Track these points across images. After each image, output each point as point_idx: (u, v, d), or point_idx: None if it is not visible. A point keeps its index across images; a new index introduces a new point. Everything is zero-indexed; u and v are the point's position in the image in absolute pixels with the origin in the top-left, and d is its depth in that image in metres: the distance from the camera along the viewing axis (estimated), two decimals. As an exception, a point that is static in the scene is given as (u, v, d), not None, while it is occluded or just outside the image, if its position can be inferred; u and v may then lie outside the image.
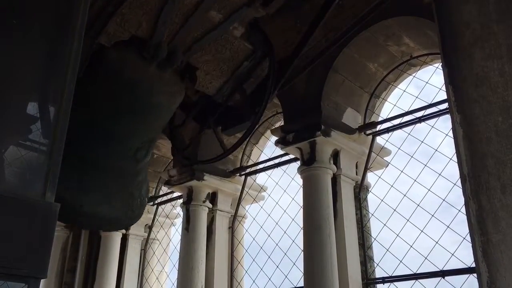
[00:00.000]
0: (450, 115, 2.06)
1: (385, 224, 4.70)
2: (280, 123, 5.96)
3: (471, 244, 1.90)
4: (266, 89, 4.47)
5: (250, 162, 6.46)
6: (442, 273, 4.12)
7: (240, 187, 6.27)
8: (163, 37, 3.82)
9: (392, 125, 5.00)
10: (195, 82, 4.45)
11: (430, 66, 5.03)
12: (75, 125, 3.46)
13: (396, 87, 5.33)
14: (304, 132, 4.92)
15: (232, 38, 4.26)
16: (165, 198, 7.40)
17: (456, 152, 2.01)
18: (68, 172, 3.30)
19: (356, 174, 5.14)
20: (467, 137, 1.92)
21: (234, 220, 6.26)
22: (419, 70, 5.16)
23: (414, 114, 4.78)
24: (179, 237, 6.20)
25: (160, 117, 4.21)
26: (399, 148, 4.99)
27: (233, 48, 4.33)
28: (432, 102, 4.65)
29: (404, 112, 4.90)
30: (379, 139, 5.21)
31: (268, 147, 6.53)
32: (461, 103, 2.00)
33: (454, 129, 2.02)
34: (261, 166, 6.28)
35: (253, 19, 4.20)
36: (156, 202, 7.44)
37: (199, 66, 4.32)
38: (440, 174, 4.37)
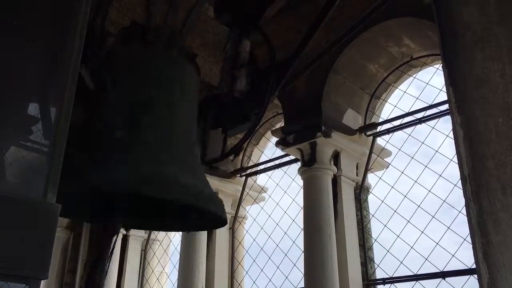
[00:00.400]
0: (451, 116, 2.06)
1: (385, 225, 4.70)
2: (281, 124, 5.97)
3: (471, 245, 1.90)
4: (266, 92, 4.45)
5: (251, 163, 6.46)
6: (443, 274, 4.12)
7: (241, 188, 6.27)
8: (157, 19, 3.84)
9: (392, 126, 5.01)
10: (199, 70, 4.43)
11: (431, 67, 5.04)
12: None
13: (397, 88, 5.34)
14: (304, 133, 4.93)
15: (209, 20, 4.27)
16: (165, 198, 7.39)
17: (456, 153, 2.01)
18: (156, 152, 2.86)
19: (357, 175, 5.15)
20: (467, 138, 1.92)
21: (235, 221, 6.27)
22: (419, 71, 5.16)
23: (415, 115, 4.79)
24: (180, 238, 6.21)
25: (188, 102, 3.89)
26: (399, 149, 5.00)
27: (213, 31, 4.34)
28: (432, 103, 4.66)
29: (404, 113, 4.90)
30: (380, 140, 5.22)
31: (268, 148, 6.55)
32: (462, 104, 2.00)
33: (454, 130, 2.02)
34: (261, 167, 6.29)
35: None
36: (157, 202, 7.43)
37: (195, 52, 4.31)
38: (440, 175, 4.37)
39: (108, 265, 2.94)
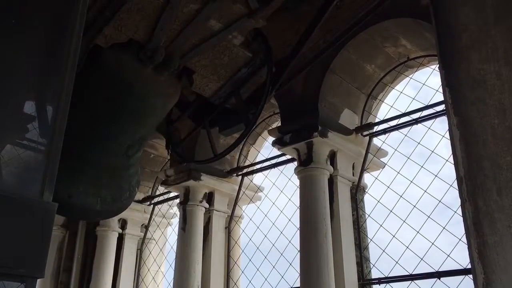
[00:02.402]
0: (447, 117, 2.07)
1: (381, 225, 4.71)
2: (277, 123, 5.97)
3: (467, 246, 1.91)
4: (263, 91, 4.47)
5: (247, 163, 6.46)
6: (438, 274, 4.13)
7: (237, 187, 6.27)
8: (160, 43, 3.82)
9: (389, 126, 5.02)
10: (192, 83, 4.46)
11: (427, 68, 5.05)
12: (69, 122, 3.52)
13: (393, 88, 5.35)
14: (301, 133, 4.93)
15: (231, 46, 4.26)
16: (161, 198, 7.40)
17: (452, 154, 2.02)
18: (59, 166, 3.39)
19: (353, 175, 5.15)
20: (463, 139, 1.93)
21: (231, 220, 6.27)
22: (416, 71, 5.18)
23: (411, 116, 4.80)
24: (176, 237, 6.20)
25: (154, 117, 4.23)
26: (395, 149, 5.01)
27: (231, 55, 4.34)
28: (428, 104, 4.67)
29: (401, 113, 4.92)
30: (376, 140, 5.23)
31: (265, 148, 6.55)
32: (458, 105, 2.01)
33: (450, 131, 2.03)
34: (258, 166, 6.29)
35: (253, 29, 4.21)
36: (153, 202, 7.43)
37: (196, 70, 4.33)
38: (436, 176, 4.39)
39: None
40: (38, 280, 1.67)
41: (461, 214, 1.96)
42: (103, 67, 3.83)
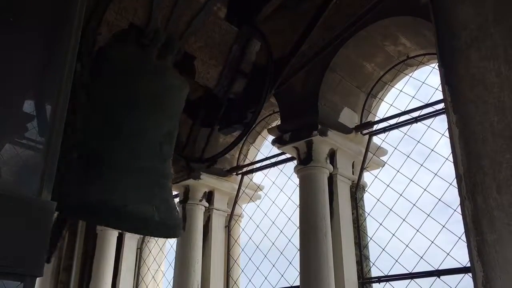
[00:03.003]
0: (446, 115, 2.07)
1: (381, 224, 4.71)
2: (277, 122, 5.97)
3: (466, 244, 1.91)
4: (263, 83, 4.46)
5: (247, 161, 6.46)
6: (438, 273, 4.14)
7: (237, 186, 6.27)
8: (158, 23, 3.83)
9: (388, 125, 5.02)
10: (195, 74, 4.43)
11: (427, 66, 5.05)
12: (96, 131, 3.22)
13: (393, 87, 5.35)
14: (300, 132, 4.93)
15: (219, 20, 4.27)
16: (161, 197, 7.39)
17: (452, 152, 2.02)
18: (106, 175, 3.06)
19: (353, 174, 5.15)
20: (463, 137, 1.93)
21: (231, 219, 6.27)
22: (415, 70, 5.17)
23: (411, 114, 4.80)
24: (176, 236, 6.20)
25: (173, 102, 3.94)
26: (395, 148, 5.01)
27: (221, 32, 4.34)
28: (428, 102, 4.67)
29: (400, 112, 4.91)
30: (376, 139, 5.23)
31: (264, 146, 6.55)
32: (457, 103, 2.01)
33: (450, 129, 2.03)
34: (257, 165, 6.29)
35: None
36: (153, 201, 7.43)
37: (195, 54, 4.31)
38: (436, 174, 4.38)
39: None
40: (38, 279, 1.67)
41: (460, 213, 1.95)
42: (110, 65, 3.77)
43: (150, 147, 3.51)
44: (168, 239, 7.37)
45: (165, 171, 3.56)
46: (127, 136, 3.40)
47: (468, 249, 1.83)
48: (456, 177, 1.94)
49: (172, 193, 3.80)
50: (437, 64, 2.31)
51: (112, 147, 3.25)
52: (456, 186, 2.01)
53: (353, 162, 5.21)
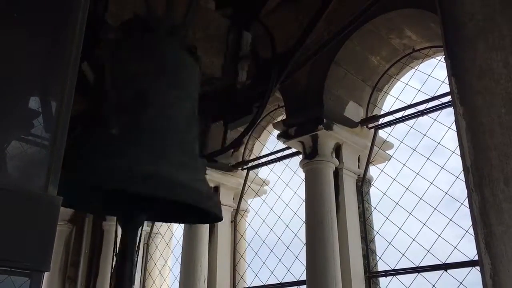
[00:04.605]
0: (453, 107, 2.05)
1: (387, 218, 4.70)
2: (282, 117, 5.95)
3: (473, 237, 1.89)
4: (267, 84, 4.44)
5: (252, 156, 6.46)
6: (445, 266, 4.12)
7: (242, 181, 6.27)
8: (158, 13, 3.82)
9: (394, 118, 5.00)
10: (200, 62, 4.41)
11: (433, 59, 5.01)
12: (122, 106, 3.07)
13: (399, 80, 5.32)
14: (306, 126, 4.92)
15: (210, 12, 4.26)
16: (167, 192, 7.41)
17: (459, 144, 2.00)
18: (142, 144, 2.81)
19: (359, 168, 5.14)
20: (470, 129, 1.91)
21: (237, 214, 6.28)
22: (421, 63, 5.14)
23: (417, 107, 4.77)
24: (182, 231, 6.22)
25: (193, 78, 3.80)
26: (401, 142, 4.99)
27: (214, 24, 4.33)
28: (434, 95, 4.64)
29: (406, 105, 4.88)
30: (382, 133, 5.21)
31: (270, 141, 6.54)
32: (464, 95, 1.99)
33: (457, 121, 2.01)
34: (263, 160, 6.28)
35: None
36: (159, 196, 7.45)
37: (196, 44, 4.29)
38: (442, 167, 4.36)
39: (137, 258, 2.94)
40: (46, 275, 1.68)
41: (468, 206, 1.94)
42: (119, 52, 3.72)
43: (186, 119, 3.29)
44: (175, 234, 7.40)
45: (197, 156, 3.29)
46: (161, 106, 3.17)
47: (475, 241, 1.82)
48: (464, 169, 1.93)
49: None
50: (443, 56, 2.30)
51: (147, 117, 3.02)
52: (463, 179, 2.00)
53: (359, 156, 5.19)
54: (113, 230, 7.05)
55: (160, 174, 2.70)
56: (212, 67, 4.47)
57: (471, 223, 1.94)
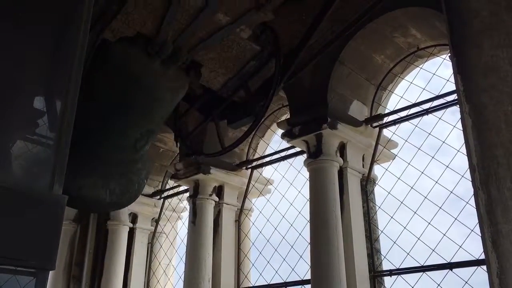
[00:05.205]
0: (459, 105, 2.04)
1: (392, 217, 4.68)
2: (286, 116, 5.94)
3: (479, 236, 1.88)
4: (271, 84, 4.46)
5: (256, 156, 6.45)
6: (450, 266, 4.10)
7: (247, 181, 6.27)
8: (168, 36, 3.83)
9: (399, 117, 4.97)
10: (200, 77, 4.46)
11: (437, 58, 4.98)
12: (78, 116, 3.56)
13: (403, 79, 5.29)
14: (310, 125, 4.91)
15: (239, 39, 4.26)
16: (171, 192, 7.42)
17: (465, 142, 1.99)
18: (69, 160, 3.44)
19: (363, 167, 5.12)
20: (476, 127, 1.90)
21: (241, 213, 6.27)
22: (426, 61, 5.11)
23: (421, 106, 4.75)
24: (186, 231, 6.23)
25: (162, 111, 4.27)
26: (406, 141, 4.96)
27: (239, 48, 4.35)
28: (439, 94, 4.61)
29: (411, 104, 4.86)
30: (386, 132, 5.19)
31: (274, 141, 6.53)
32: (470, 93, 1.97)
33: (463, 119, 2.00)
34: (267, 159, 6.28)
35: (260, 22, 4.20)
36: (163, 196, 7.46)
37: (203, 63, 4.33)
38: (447, 166, 4.34)
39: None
40: (51, 274, 1.68)
41: (473, 205, 1.93)
42: (111, 61, 3.85)
43: (128, 141, 4.12)
44: (179, 234, 7.42)
45: (135, 157, 4.27)
46: (109, 132, 3.93)
47: (482, 240, 1.81)
48: (470, 167, 1.92)
49: (140, 173, 4.51)
50: (448, 55, 2.28)
51: (95, 138, 3.78)
52: (468, 178, 1.99)
53: (363, 155, 5.17)
54: (118, 230, 7.11)
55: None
56: (213, 82, 4.53)
57: (476, 222, 1.93)
